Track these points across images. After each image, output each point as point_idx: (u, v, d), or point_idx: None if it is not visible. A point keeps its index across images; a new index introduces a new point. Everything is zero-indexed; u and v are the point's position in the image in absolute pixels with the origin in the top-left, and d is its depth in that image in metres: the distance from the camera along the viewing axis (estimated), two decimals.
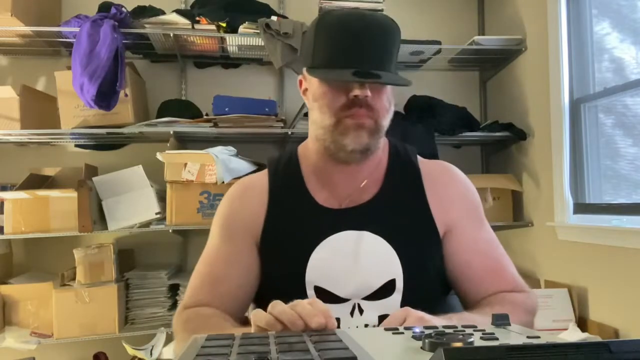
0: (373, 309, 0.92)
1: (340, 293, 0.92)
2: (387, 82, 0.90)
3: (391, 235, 0.94)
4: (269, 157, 1.08)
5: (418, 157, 1.05)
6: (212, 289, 0.94)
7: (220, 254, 0.98)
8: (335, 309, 0.91)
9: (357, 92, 0.88)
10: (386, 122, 0.94)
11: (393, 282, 0.92)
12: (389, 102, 0.94)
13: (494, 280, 0.95)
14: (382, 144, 1.00)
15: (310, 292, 0.92)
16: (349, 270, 0.92)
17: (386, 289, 0.92)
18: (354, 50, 0.88)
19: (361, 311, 0.92)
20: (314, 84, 0.94)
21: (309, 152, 1.02)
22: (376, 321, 0.92)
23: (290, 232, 0.96)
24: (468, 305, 0.97)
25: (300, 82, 1.00)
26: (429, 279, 0.95)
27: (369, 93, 0.88)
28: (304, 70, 0.98)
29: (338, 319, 0.92)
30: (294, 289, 0.91)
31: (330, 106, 0.91)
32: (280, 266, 0.95)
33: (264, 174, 1.04)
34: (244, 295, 0.97)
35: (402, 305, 0.91)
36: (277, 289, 0.94)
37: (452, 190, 1.01)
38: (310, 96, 0.96)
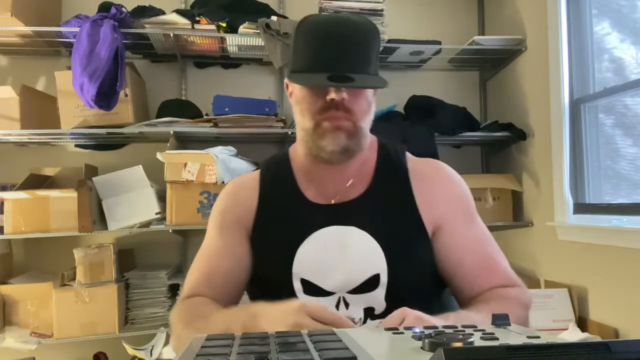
0: (358, 302, 0.94)
1: (326, 286, 0.95)
2: (360, 85, 0.92)
3: (377, 231, 0.96)
4: (263, 160, 1.13)
5: (408, 155, 1.06)
6: (208, 280, 0.98)
7: (216, 248, 1.02)
8: (320, 302, 0.94)
9: (333, 95, 0.90)
10: (365, 123, 0.97)
11: (377, 276, 0.94)
12: (368, 103, 0.96)
13: (487, 277, 0.96)
14: (369, 144, 1.02)
15: (296, 284, 0.95)
16: (334, 265, 0.95)
17: (370, 283, 0.94)
18: (329, 54, 0.91)
19: (346, 305, 0.95)
20: (296, 88, 0.98)
21: (298, 152, 1.05)
22: (362, 314, 0.95)
23: (279, 226, 1.00)
24: (463, 302, 0.98)
25: (287, 85, 1.02)
26: (415, 274, 0.97)
27: (345, 96, 0.91)
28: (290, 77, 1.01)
29: None
30: (281, 281, 0.96)
31: (309, 109, 0.94)
32: (268, 259, 0.99)
33: (256, 173, 1.09)
34: (237, 285, 1.00)
35: (386, 299, 0.94)
36: (266, 281, 1.00)
37: (440, 187, 1.02)
38: (294, 99, 0.99)
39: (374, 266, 0.94)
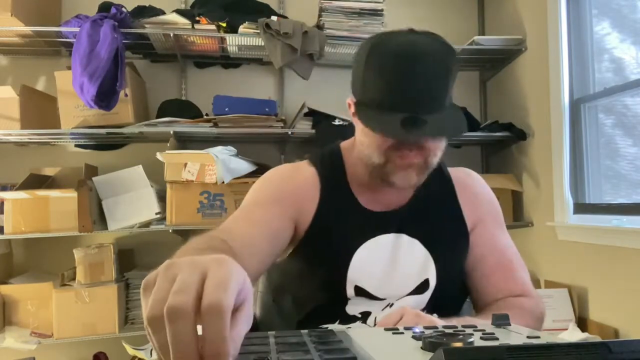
0: (404, 305, 0.96)
1: (378, 294, 0.96)
2: (435, 134, 0.86)
3: (426, 237, 0.98)
4: (309, 155, 1.06)
5: None
6: (241, 233, 0.86)
7: (259, 213, 0.93)
8: (369, 304, 0.96)
9: (407, 139, 0.86)
10: (437, 159, 0.92)
11: (427, 281, 0.97)
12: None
13: (504, 280, 0.97)
14: None
15: (350, 290, 0.95)
16: (387, 273, 0.96)
17: (420, 288, 0.97)
18: (404, 95, 0.84)
19: (391, 305, 0.97)
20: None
21: (353, 159, 1.01)
22: None
23: (336, 231, 0.97)
24: (478, 304, 1.00)
25: (350, 104, 0.97)
26: (457, 281, 1.01)
27: (420, 139, 0.86)
28: (354, 99, 0.95)
29: (369, 312, 0.96)
30: (335, 285, 0.95)
31: (379, 146, 0.89)
32: (323, 265, 0.97)
33: (309, 167, 1.02)
34: (258, 261, 0.88)
35: (431, 302, 0.97)
36: (318, 286, 0.97)
37: (480, 192, 1.06)
38: (360, 128, 0.94)
39: (423, 273, 0.97)
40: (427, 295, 0.97)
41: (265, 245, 0.88)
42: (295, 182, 1.00)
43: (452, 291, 1.01)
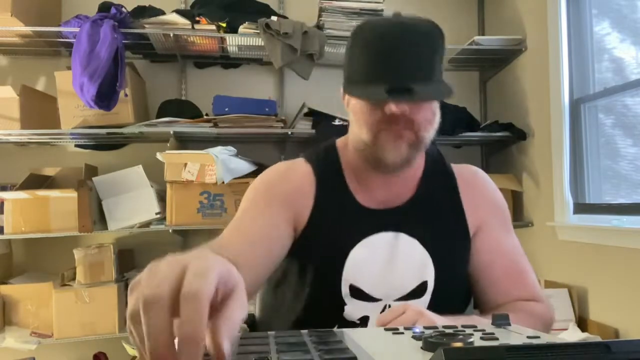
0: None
1: (374, 294, 0.93)
2: (421, 98, 0.86)
3: (426, 238, 0.95)
4: (304, 153, 1.06)
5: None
6: (240, 243, 0.86)
7: (256, 223, 0.91)
8: (366, 307, 0.94)
9: (392, 108, 0.84)
10: (429, 134, 0.91)
11: (425, 283, 0.94)
12: (432, 112, 0.90)
13: (513, 285, 0.95)
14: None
15: (345, 289, 0.93)
16: (384, 273, 0.93)
17: (418, 291, 0.94)
18: (388, 64, 0.85)
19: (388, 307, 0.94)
20: (352, 98, 0.93)
21: (348, 154, 1.00)
22: None
23: (332, 228, 0.95)
24: (484, 308, 0.98)
25: (343, 95, 0.97)
26: (458, 283, 0.97)
27: (406, 108, 0.85)
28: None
29: (367, 317, 0.94)
30: (330, 285, 0.93)
31: (368, 121, 0.89)
32: (318, 262, 0.95)
33: (307, 167, 1.01)
34: (264, 266, 0.89)
35: (430, 307, 0.93)
36: (313, 285, 0.95)
37: (484, 192, 1.03)
38: (351, 109, 0.94)
39: (422, 274, 0.94)
40: (426, 299, 0.94)
41: (262, 259, 0.87)
42: (290, 181, 0.99)
43: (452, 296, 0.97)
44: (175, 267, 0.42)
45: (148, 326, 0.38)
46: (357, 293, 0.93)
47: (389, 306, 0.94)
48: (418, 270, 0.94)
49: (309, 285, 0.96)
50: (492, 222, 0.99)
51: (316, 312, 0.95)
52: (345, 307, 0.93)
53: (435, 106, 0.92)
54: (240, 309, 0.42)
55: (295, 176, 0.99)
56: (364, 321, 0.93)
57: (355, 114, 0.92)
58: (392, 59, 0.85)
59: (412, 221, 0.96)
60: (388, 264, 0.93)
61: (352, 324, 0.93)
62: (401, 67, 0.85)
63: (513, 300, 0.94)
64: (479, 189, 1.02)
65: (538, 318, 0.90)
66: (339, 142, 1.04)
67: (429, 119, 0.90)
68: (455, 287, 0.97)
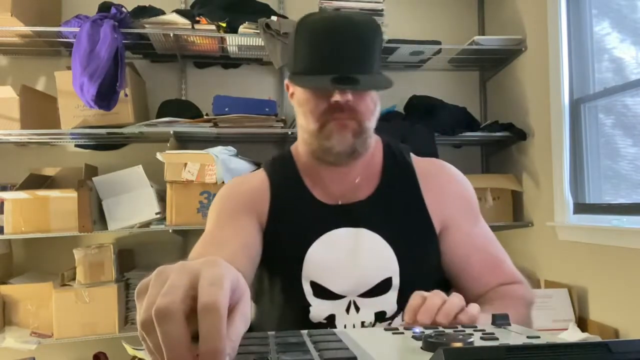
0: (369, 306, 0.93)
1: (336, 289, 0.93)
2: (365, 87, 0.90)
3: (388, 233, 0.94)
4: (264, 162, 1.10)
5: (412, 155, 1.06)
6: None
7: (217, 236, 0.94)
8: (330, 306, 0.93)
9: (337, 97, 0.88)
10: (371, 123, 0.95)
11: (389, 280, 0.93)
12: (373, 102, 0.94)
13: (492, 275, 0.96)
14: (374, 144, 1.01)
15: (306, 287, 0.93)
16: (345, 267, 0.93)
17: (382, 287, 0.93)
18: (332, 54, 0.88)
19: (357, 308, 0.93)
20: (297, 90, 0.95)
21: (301, 154, 1.03)
22: (372, 318, 0.93)
23: (290, 226, 0.97)
24: (469, 300, 0.97)
25: (287, 86, 1.00)
26: (425, 276, 0.96)
27: (350, 97, 0.88)
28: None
29: (333, 316, 0.92)
30: (291, 283, 0.93)
31: (313, 111, 0.92)
32: (278, 260, 0.96)
33: (261, 173, 1.05)
34: (249, 275, 0.90)
35: (398, 303, 0.92)
36: (275, 283, 0.96)
37: (447, 187, 1.01)
38: (296, 101, 0.97)
39: (385, 269, 0.93)
40: (392, 296, 0.93)
41: (245, 268, 0.87)
42: (247, 190, 1.01)
43: (421, 287, 0.90)
44: (184, 274, 0.41)
45: (165, 337, 0.38)
46: (320, 291, 0.92)
47: (354, 302, 0.93)
48: (381, 265, 0.93)
49: (275, 288, 0.96)
50: (460, 216, 0.99)
51: (285, 319, 0.95)
52: (310, 309, 0.93)
53: (376, 97, 0.96)
54: (243, 323, 0.42)
55: (249, 184, 1.02)
56: (330, 320, 0.93)
57: (300, 105, 0.95)
58: (337, 51, 0.89)
59: (373, 217, 0.96)
60: (349, 259, 0.93)
61: (318, 326, 0.92)
62: (345, 58, 0.89)
63: (495, 287, 0.94)
64: (442, 183, 1.01)
65: (522, 299, 0.92)
66: (293, 146, 1.07)
67: (371, 109, 0.94)
68: (423, 284, 0.92)
